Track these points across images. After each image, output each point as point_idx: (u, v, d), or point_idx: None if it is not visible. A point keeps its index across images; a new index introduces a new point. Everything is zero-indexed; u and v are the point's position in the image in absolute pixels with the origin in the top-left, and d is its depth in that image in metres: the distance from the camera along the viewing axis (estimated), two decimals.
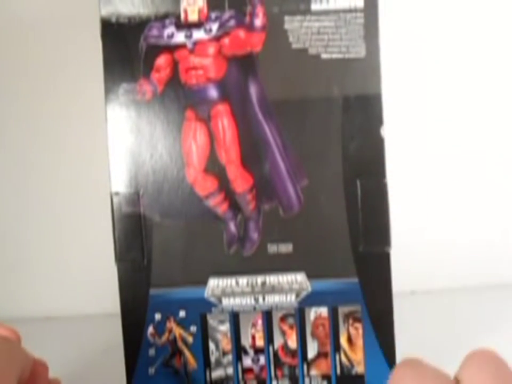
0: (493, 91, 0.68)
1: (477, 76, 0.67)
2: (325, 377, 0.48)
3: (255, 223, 0.47)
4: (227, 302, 0.47)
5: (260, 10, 0.45)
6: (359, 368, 0.47)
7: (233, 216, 0.47)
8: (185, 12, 0.46)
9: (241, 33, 0.46)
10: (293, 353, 0.48)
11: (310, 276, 0.47)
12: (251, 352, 0.48)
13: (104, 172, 0.47)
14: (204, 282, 0.47)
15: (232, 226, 0.47)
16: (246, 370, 0.48)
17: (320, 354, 0.48)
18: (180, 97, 0.46)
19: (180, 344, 0.47)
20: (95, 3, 0.46)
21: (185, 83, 0.46)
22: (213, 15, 0.46)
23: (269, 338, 0.48)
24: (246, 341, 0.48)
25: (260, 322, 0.47)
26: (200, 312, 0.47)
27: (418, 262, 0.68)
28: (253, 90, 0.46)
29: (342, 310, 0.47)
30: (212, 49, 0.46)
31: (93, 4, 0.47)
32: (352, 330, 0.47)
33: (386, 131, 0.46)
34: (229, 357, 0.48)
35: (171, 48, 0.46)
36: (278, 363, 0.48)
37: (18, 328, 0.37)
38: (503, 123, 0.69)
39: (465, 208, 0.70)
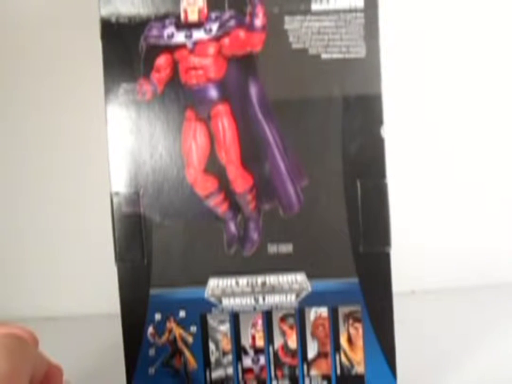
0: (493, 91, 0.68)
1: (477, 76, 0.67)
2: (325, 377, 0.48)
3: (255, 223, 0.47)
4: (227, 302, 0.47)
5: (259, 10, 0.45)
6: (359, 368, 0.47)
7: (233, 216, 0.47)
8: (185, 12, 0.46)
9: (241, 33, 0.46)
10: (293, 353, 0.48)
11: (310, 276, 0.47)
12: (251, 352, 0.48)
13: (104, 172, 0.47)
14: (204, 283, 0.47)
15: (232, 227, 0.47)
16: (246, 371, 0.48)
17: (320, 354, 0.48)
18: (180, 97, 0.46)
19: (180, 344, 0.47)
20: (95, 3, 0.46)
21: (185, 83, 0.46)
22: (213, 15, 0.46)
23: (269, 339, 0.48)
24: (246, 341, 0.48)
25: (259, 322, 0.47)
26: (200, 312, 0.47)
27: (418, 262, 0.68)
28: (253, 90, 0.46)
29: (342, 310, 0.47)
30: (212, 49, 0.46)
31: (93, 3, 0.47)
32: (352, 330, 0.47)
33: (386, 131, 0.46)
34: (229, 357, 0.48)
35: (171, 48, 0.46)
36: (278, 363, 0.48)
37: None
38: (503, 123, 0.69)
39: (465, 208, 0.70)
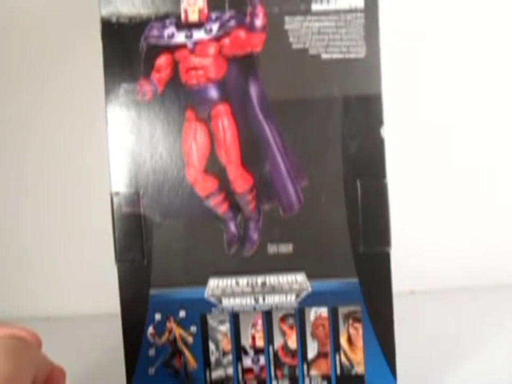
0: (493, 91, 0.68)
1: (477, 76, 0.67)
2: (325, 377, 0.48)
3: (255, 223, 0.47)
4: (227, 302, 0.47)
5: (260, 11, 0.45)
6: (359, 368, 0.47)
7: (233, 216, 0.47)
8: (186, 12, 0.46)
9: (242, 33, 0.46)
10: (293, 353, 0.48)
11: (310, 276, 0.47)
12: (251, 352, 0.48)
13: (104, 171, 0.47)
14: (204, 283, 0.47)
15: (232, 226, 0.47)
16: (246, 371, 0.48)
17: (320, 355, 0.48)
18: (180, 97, 0.46)
19: (180, 344, 0.47)
20: (95, 3, 0.46)
21: (185, 83, 0.46)
22: (213, 15, 0.46)
23: (269, 339, 0.48)
24: (246, 341, 0.48)
25: (259, 322, 0.47)
26: (200, 312, 0.47)
27: (418, 262, 0.68)
28: (253, 90, 0.46)
29: (342, 310, 0.47)
30: (212, 50, 0.46)
31: (93, 3, 0.47)
32: (352, 331, 0.47)
33: (386, 131, 0.46)
34: (229, 357, 0.48)
35: (171, 48, 0.46)
36: (278, 363, 0.48)
37: None
38: (503, 123, 0.69)
39: (465, 208, 0.70)
